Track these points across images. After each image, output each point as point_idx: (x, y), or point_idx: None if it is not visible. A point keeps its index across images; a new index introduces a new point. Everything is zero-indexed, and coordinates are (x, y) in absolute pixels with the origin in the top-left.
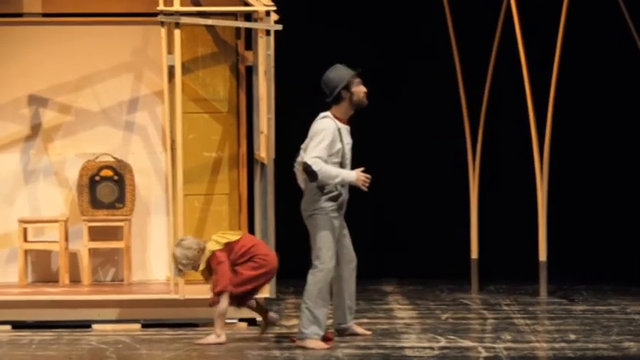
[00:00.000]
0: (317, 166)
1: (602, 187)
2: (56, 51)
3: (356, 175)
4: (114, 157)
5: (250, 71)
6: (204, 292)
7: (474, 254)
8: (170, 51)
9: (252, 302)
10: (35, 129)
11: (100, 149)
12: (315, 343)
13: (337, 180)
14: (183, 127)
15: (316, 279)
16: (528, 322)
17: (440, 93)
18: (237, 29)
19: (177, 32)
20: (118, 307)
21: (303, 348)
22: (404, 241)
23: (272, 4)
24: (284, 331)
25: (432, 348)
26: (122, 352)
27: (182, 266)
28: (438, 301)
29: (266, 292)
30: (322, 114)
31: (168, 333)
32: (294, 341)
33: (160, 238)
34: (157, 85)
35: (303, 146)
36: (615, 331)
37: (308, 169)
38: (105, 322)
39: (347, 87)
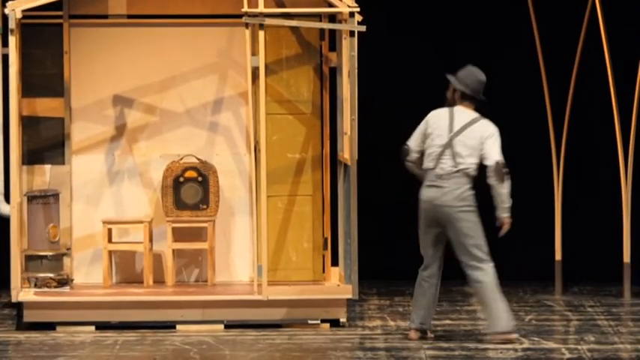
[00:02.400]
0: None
1: None
2: (141, 52)
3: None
4: (198, 159)
5: (334, 72)
6: (287, 293)
7: (558, 256)
8: (254, 52)
9: None
10: (120, 130)
11: (184, 150)
12: (514, 336)
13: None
14: (267, 128)
15: (492, 274)
16: (612, 323)
17: (524, 96)
18: (321, 30)
19: (261, 34)
20: (202, 308)
21: (505, 342)
22: (488, 242)
23: (356, 5)
24: (367, 332)
25: (515, 349)
26: (205, 352)
27: None
28: (522, 302)
29: (348, 293)
30: (479, 115)
31: (251, 334)
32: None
33: (243, 239)
34: (242, 87)
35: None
36: None
37: (501, 170)
38: (188, 323)
39: None
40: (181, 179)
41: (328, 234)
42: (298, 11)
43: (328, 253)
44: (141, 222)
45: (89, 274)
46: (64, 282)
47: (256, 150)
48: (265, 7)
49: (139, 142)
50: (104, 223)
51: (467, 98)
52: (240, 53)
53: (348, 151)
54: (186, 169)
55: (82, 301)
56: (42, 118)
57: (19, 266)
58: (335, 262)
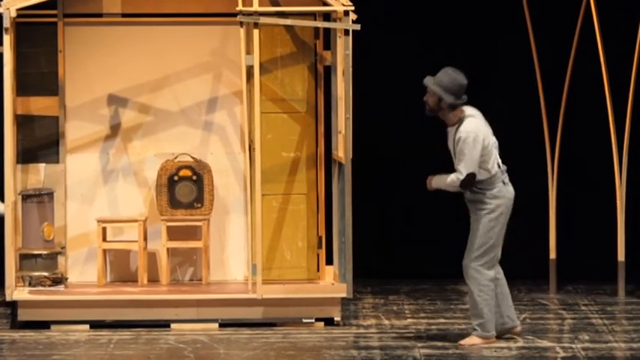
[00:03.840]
0: None
1: None
2: (135, 51)
3: None
4: (193, 157)
5: (329, 71)
6: (282, 291)
7: (553, 254)
8: (249, 51)
9: None
10: (115, 129)
11: (178, 149)
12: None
13: None
14: (261, 127)
15: None
16: (606, 322)
17: (519, 94)
18: (316, 29)
19: (255, 32)
20: (196, 307)
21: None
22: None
23: (350, 3)
24: (361, 331)
25: (509, 348)
26: (200, 351)
27: None
28: (516, 301)
29: (342, 292)
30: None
31: (245, 332)
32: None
33: (238, 238)
34: (236, 85)
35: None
36: None
37: None
38: (183, 322)
39: None
40: (176, 178)
41: (323, 233)
42: (293, 10)
43: (323, 252)
44: (135, 221)
45: (84, 273)
46: (58, 281)
47: (251, 149)
48: (260, 5)
49: (134, 141)
50: (99, 221)
51: (458, 105)
52: (234, 52)
53: (342, 149)
54: (180, 168)
55: (77, 299)
56: (36, 117)
57: (14, 265)
58: (329, 261)
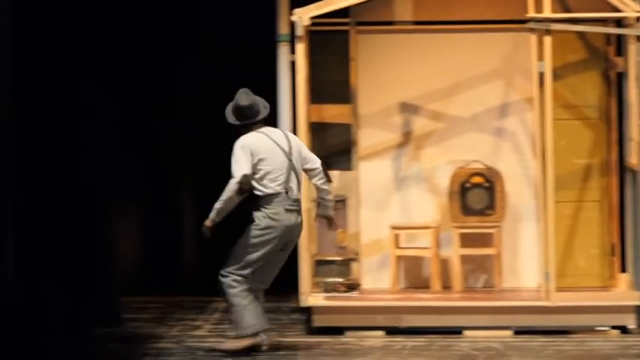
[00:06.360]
0: None
1: None
2: (426, 58)
3: None
4: (484, 164)
5: (621, 77)
6: (575, 299)
7: None
8: (540, 57)
9: None
10: (407, 136)
11: (470, 156)
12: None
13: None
14: (553, 133)
15: None
16: None
17: None
18: (608, 35)
19: (547, 39)
20: (489, 314)
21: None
22: None
23: None
24: None
25: None
26: (493, 358)
27: None
28: None
29: (636, 300)
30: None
31: (539, 340)
32: None
33: (530, 245)
34: (527, 92)
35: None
36: None
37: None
38: (476, 329)
39: None
40: (468, 185)
41: (616, 240)
42: (583, 16)
43: (616, 259)
44: (428, 227)
45: (377, 279)
46: (352, 287)
47: (543, 155)
48: (551, 12)
49: (426, 148)
50: (392, 228)
51: (246, 126)
52: (525, 58)
53: (635, 156)
54: (472, 175)
55: (371, 306)
56: (329, 125)
57: (309, 271)
58: (623, 269)
